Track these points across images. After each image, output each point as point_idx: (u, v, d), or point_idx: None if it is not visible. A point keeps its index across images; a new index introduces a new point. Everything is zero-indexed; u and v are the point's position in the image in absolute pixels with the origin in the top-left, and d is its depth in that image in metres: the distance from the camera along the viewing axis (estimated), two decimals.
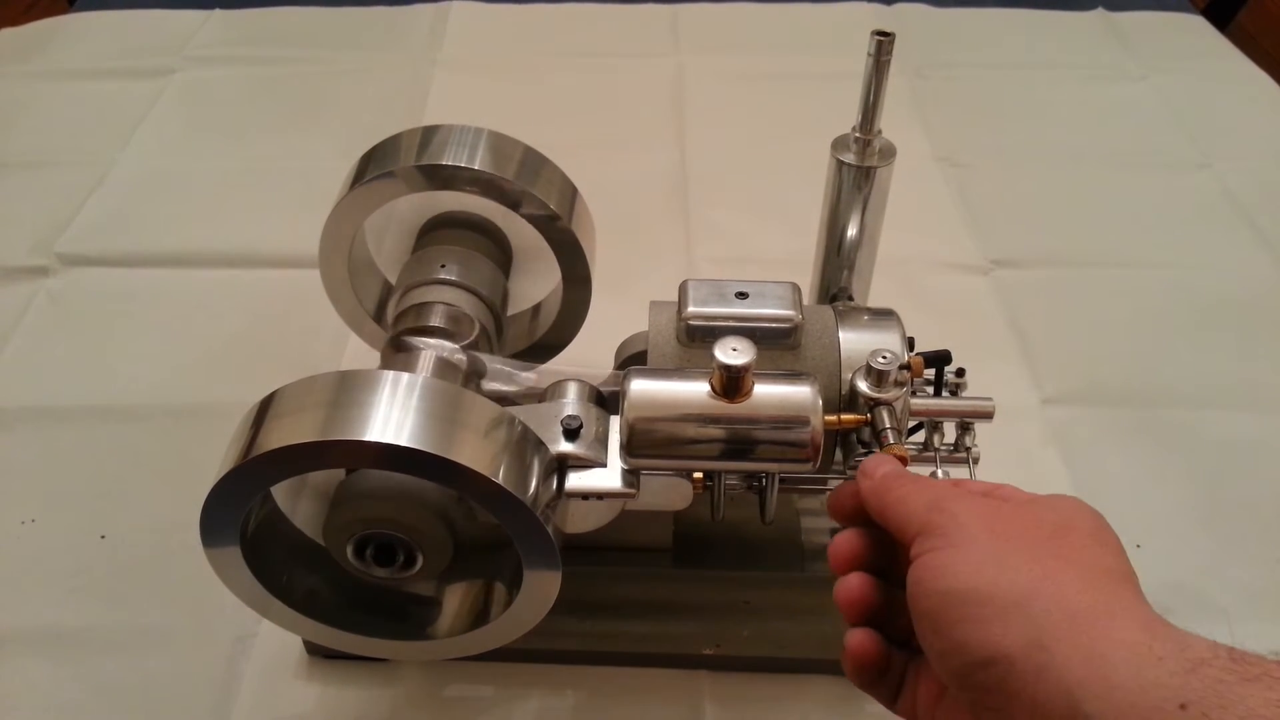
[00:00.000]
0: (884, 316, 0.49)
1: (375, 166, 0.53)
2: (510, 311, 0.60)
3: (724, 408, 0.42)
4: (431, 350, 0.51)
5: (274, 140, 0.95)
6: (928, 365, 0.49)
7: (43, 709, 0.53)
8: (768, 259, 0.81)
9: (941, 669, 0.33)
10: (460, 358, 0.51)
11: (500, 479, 0.39)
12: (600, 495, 0.44)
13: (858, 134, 0.52)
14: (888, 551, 0.38)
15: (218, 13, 1.13)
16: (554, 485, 0.43)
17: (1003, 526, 0.33)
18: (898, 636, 0.37)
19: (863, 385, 0.43)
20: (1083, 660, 0.29)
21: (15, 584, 0.59)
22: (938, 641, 0.32)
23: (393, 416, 0.39)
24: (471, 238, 0.57)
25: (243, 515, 0.41)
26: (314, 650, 0.55)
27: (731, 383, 0.41)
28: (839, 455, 0.48)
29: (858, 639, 0.36)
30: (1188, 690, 0.27)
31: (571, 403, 0.46)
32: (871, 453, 0.43)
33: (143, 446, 0.66)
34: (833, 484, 0.51)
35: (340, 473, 0.44)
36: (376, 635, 0.47)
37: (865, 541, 0.38)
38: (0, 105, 0.99)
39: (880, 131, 0.52)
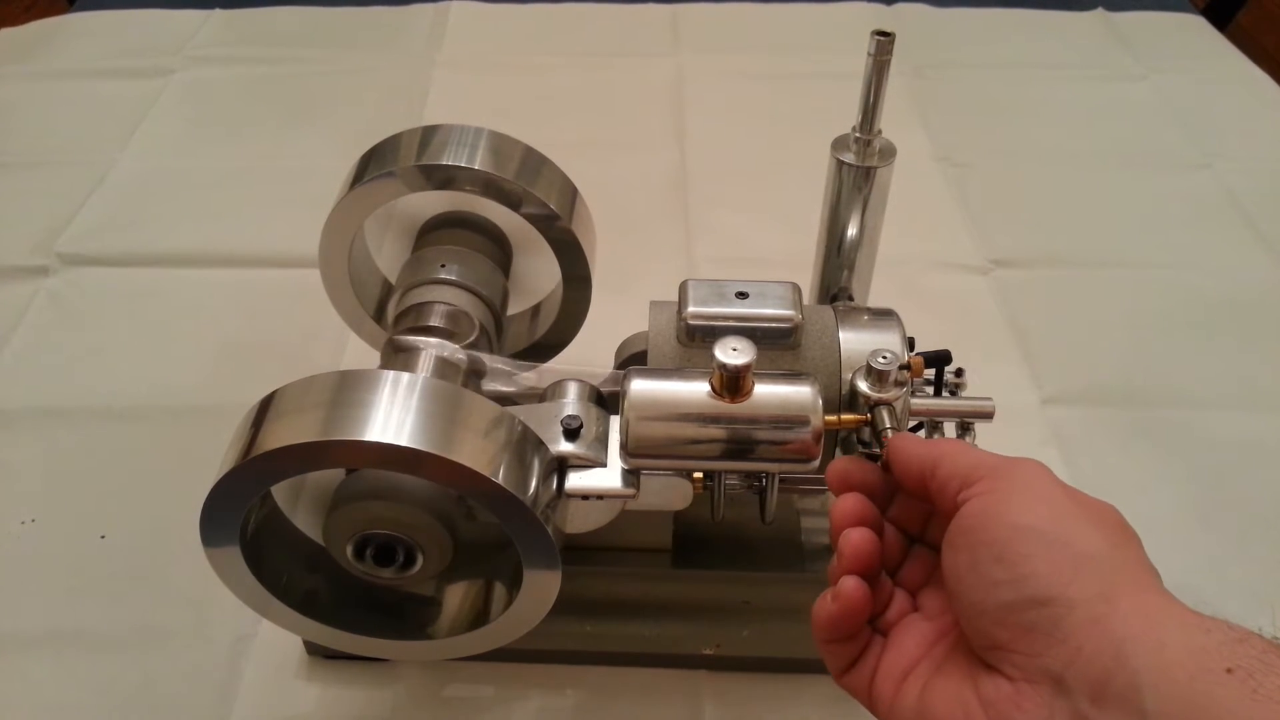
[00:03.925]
0: (884, 316, 0.49)
1: (375, 166, 0.53)
2: (510, 311, 0.60)
3: (724, 408, 0.42)
4: (431, 350, 0.51)
5: (274, 140, 0.95)
6: (928, 365, 0.49)
7: (43, 709, 0.53)
8: (768, 259, 0.81)
9: (986, 599, 0.32)
10: (460, 358, 0.51)
11: (500, 479, 0.39)
12: (600, 495, 0.44)
13: (858, 134, 0.52)
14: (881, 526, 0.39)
15: (218, 13, 1.13)
16: (554, 485, 0.43)
17: (1077, 497, 0.34)
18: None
19: (863, 385, 0.43)
20: (1139, 619, 0.29)
21: (15, 584, 0.59)
22: (998, 571, 0.32)
23: (393, 416, 0.39)
24: (471, 237, 0.57)
25: (243, 515, 0.41)
26: (314, 650, 0.55)
27: (731, 382, 0.41)
28: (839, 455, 0.48)
29: (853, 584, 0.36)
30: (1234, 658, 0.27)
31: (571, 403, 0.46)
32: (872, 450, 0.43)
33: (143, 446, 0.66)
34: None
35: (340, 473, 0.44)
36: (376, 635, 0.47)
37: (868, 507, 0.38)
38: (0, 105, 0.99)
39: (880, 131, 0.52)
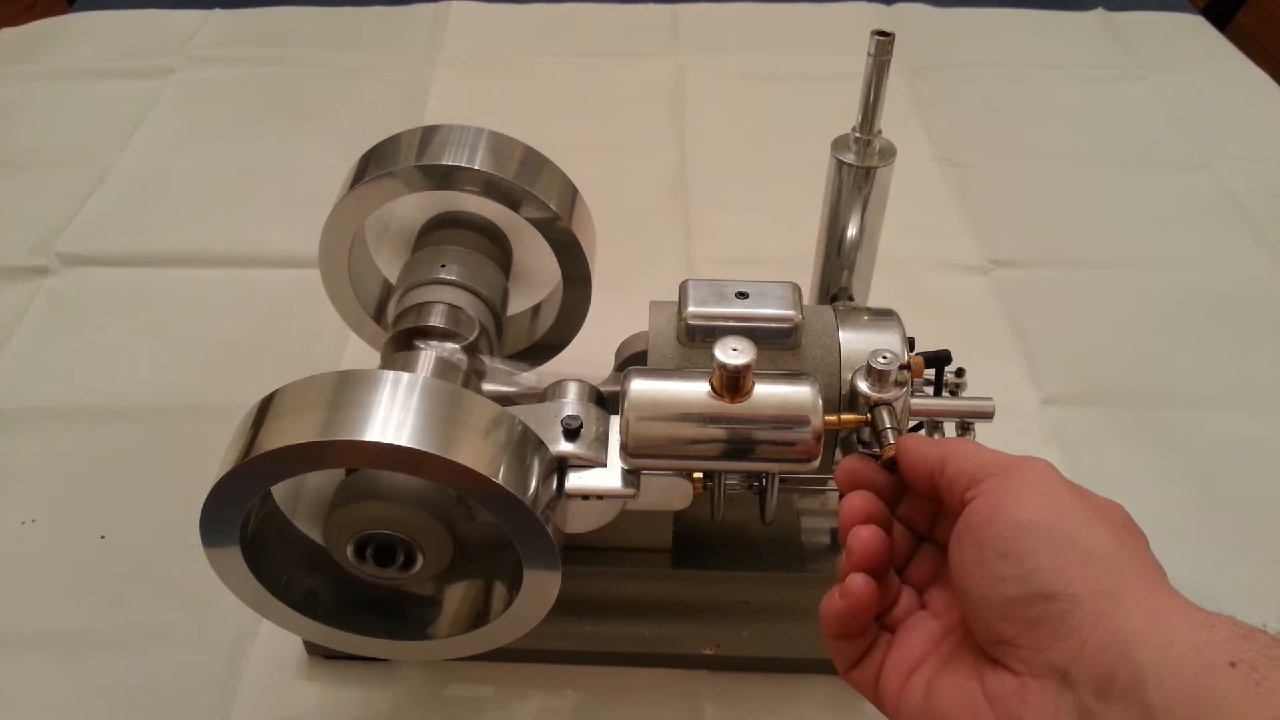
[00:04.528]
0: (884, 316, 0.49)
1: (375, 166, 0.53)
2: (510, 311, 0.60)
3: (724, 408, 0.42)
4: (431, 350, 0.51)
5: (274, 140, 0.95)
6: (928, 365, 0.49)
7: (43, 709, 0.53)
8: (768, 259, 0.81)
9: (992, 594, 0.33)
10: (460, 358, 0.51)
11: (500, 479, 0.39)
12: (600, 495, 0.44)
13: (858, 134, 0.52)
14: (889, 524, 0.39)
15: (218, 13, 1.13)
16: (554, 485, 0.43)
17: (1083, 494, 0.34)
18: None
19: (863, 385, 0.43)
20: (1144, 615, 0.30)
21: (15, 584, 0.59)
22: (1004, 566, 0.32)
23: (393, 416, 0.39)
24: (471, 238, 0.57)
25: (243, 515, 0.41)
26: (314, 650, 0.55)
27: (731, 382, 0.41)
28: (839, 455, 0.48)
29: (861, 582, 0.36)
30: (1238, 652, 0.28)
31: (571, 403, 0.46)
32: (873, 450, 0.43)
33: (143, 446, 0.66)
34: (833, 484, 0.51)
35: (340, 472, 0.44)
36: (376, 635, 0.47)
37: (877, 505, 0.38)
38: (0, 105, 0.99)
39: (880, 131, 0.52)
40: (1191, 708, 0.27)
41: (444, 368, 0.50)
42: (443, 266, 0.54)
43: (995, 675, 0.33)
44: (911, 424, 0.48)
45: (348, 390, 0.40)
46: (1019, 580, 0.32)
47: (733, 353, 0.41)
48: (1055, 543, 0.32)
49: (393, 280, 0.60)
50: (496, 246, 0.58)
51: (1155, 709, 0.28)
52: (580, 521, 0.45)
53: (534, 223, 0.54)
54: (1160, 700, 0.28)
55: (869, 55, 0.49)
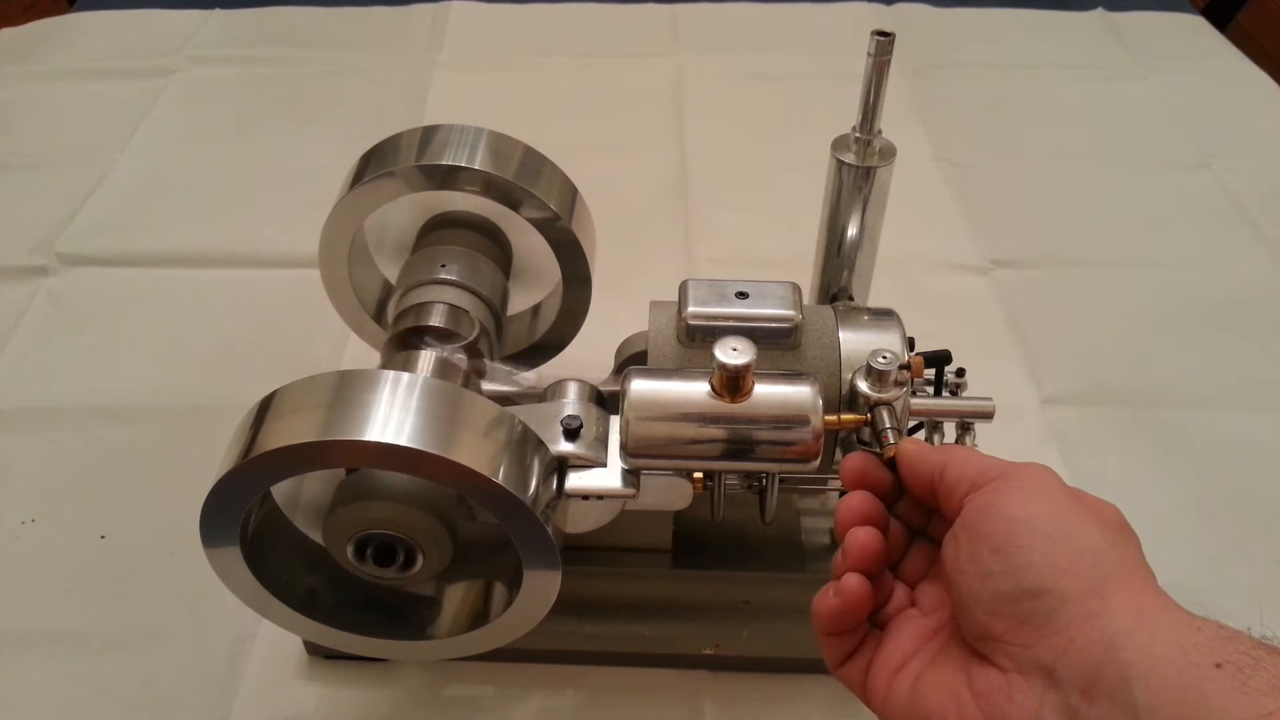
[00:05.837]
0: (884, 316, 0.49)
1: (375, 166, 0.53)
2: (510, 311, 0.60)
3: (724, 408, 0.42)
4: (431, 350, 0.51)
5: (274, 140, 0.95)
6: (928, 365, 0.49)
7: (43, 709, 0.53)
8: (768, 259, 0.81)
9: (982, 590, 0.33)
10: (460, 358, 0.51)
11: (500, 479, 0.39)
12: (600, 495, 0.44)
13: (858, 134, 0.52)
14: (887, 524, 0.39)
15: (218, 13, 1.13)
16: (554, 485, 0.43)
17: (1079, 496, 0.35)
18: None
19: (863, 385, 0.43)
20: (1132, 614, 0.30)
21: (15, 584, 0.59)
22: (996, 562, 0.33)
23: (393, 416, 0.39)
24: (471, 238, 0.57)
25: (243, 515, 0.41)
26: (314, 650, 0.55)
27: (731, 382, 0.41)
28: (839, 455, 0.48)
29: (856, 582, 0.36)
30: (1224, 653, 0.28)
31: (571, 403, 0.46)
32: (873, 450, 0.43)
33: (143, 446, 0.66)
34: (833, 484, 0.52)
35: (340, 472, 0.44)
36: (376, 635, 0.47)
37: (875, 505, 0.39)
38: (0, 105, 0.99)
39: (880, 131, 0.52)
40: (1176, 707, 0.27)
41: (444, 368, 0.50)
42: (442, 266, 0.54)
43: (982, 672, 0.33)
44: (911, 424, 0.48)
45: (348, 390, 0.40)
46: (1009, 575, 0.32)
47: (733, 353, 0.41)
48: (1046, 539, 0.32)
49: (393, 280, 0.60)
50: (496, 246, 0.58)
51: (1140, 708, 0.28)
52: (580, 521, 0.45)
53: (534, 223, 0.54)
54: (1145, 699, 0.28)
55: (869, 55, 0.49)
